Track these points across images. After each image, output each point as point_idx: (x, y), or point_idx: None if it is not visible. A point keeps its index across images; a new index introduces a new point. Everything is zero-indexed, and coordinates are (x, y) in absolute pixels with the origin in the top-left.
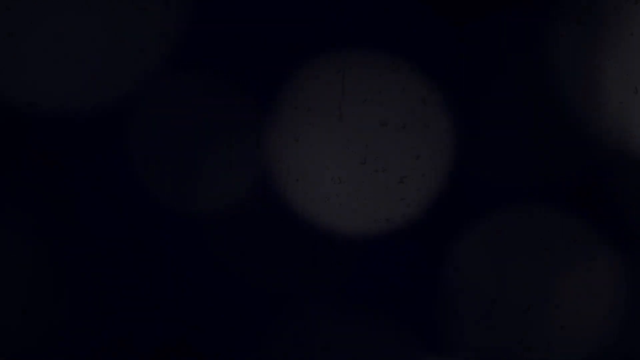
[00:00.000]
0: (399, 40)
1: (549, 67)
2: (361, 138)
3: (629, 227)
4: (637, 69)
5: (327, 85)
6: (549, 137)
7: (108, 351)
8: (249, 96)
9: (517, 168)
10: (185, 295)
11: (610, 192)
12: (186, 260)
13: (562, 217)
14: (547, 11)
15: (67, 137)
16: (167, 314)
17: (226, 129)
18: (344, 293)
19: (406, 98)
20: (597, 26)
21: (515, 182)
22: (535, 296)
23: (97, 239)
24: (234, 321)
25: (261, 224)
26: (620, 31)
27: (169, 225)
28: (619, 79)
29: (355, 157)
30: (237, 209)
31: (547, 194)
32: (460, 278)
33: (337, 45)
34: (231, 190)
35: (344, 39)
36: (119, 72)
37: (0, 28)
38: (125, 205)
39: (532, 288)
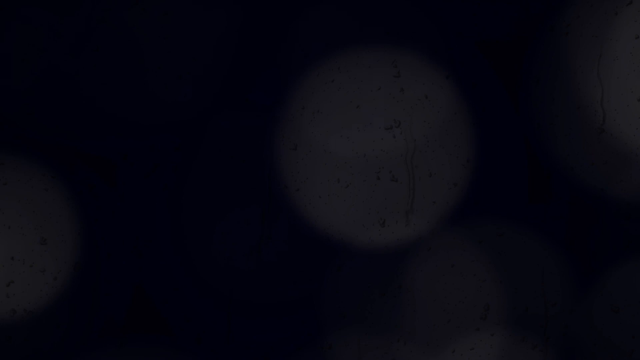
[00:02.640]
0: (399, 40)
1: (550, 69)
2: (363, 141)
3: (630, 233)
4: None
5: (332, 85)
6: (549, 140)
7: (108, 352)
8: (252, 99)
9: (516, 170)
10: (185, 296)
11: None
12: (186, 263)
13: (561, 221)
14: (547, 11)
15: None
16: (167, 314)
17: (229, 133)
18: (343, 295)
19: (406, 98)
20: (597, 27)
21: (515, 184)
22: (534, 300)
23: (98, 238)
24: (235, 321)
25: (261, 226)
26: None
27: (169, 228)
28: (621, 83)
29: (357, 160)
30: (238, 211)
31: (547, 197)
32: (458, 279)
33: (337, 44)
34: (233, 191)
35: (344, 38)
36: (119, 73)
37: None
38: (125, 205)
39: (530, 293)
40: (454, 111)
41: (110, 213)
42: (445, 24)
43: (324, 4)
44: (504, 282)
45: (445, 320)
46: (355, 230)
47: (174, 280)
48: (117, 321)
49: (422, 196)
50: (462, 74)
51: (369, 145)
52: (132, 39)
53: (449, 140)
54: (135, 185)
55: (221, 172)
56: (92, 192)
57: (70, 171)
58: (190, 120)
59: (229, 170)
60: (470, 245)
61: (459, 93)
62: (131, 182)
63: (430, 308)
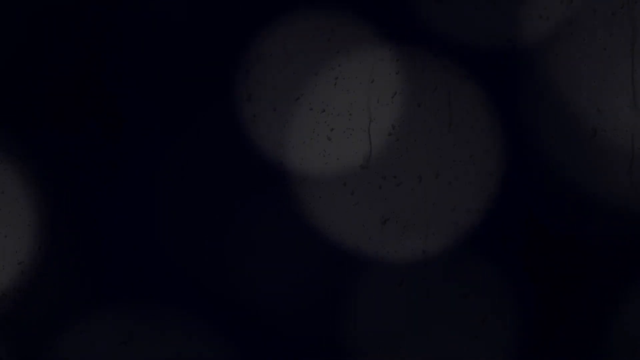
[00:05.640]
0: (400, 44)
1: (550, 72)
2: (367, 146)
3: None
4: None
5: (335, 87)
6: (545, 143)
7: (110, 353)
8: (253, 99)
9: (512, 171)
10: (186, 295)
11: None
12: (186, 262)
13: (561, 226)
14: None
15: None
16: (167, 314)
17: (231, 133)
18: (344, 295)
19: (403, 102)
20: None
21: (517, 186)
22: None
23: (102, 237)
24: (235, 321)
25: (263, 227)
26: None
27: (169, 228)
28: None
29: (359, 163)
30: (239, 211)
31: (541, 201)
32: (457, 279)
33: (339, 44)
34: (234, 191)
35: (346, 38)
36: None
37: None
38: (125, 205)
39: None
40: (455, 113)
41: (110, 213)
42: (445, 26)
43: (327, 4)
44: (503, 286)
45: (443, 325)
46: (356, 231)
47: (174, 280)
48: (118, 321)
49: (424, 198)
50: (463, 76)
51: (371, 147)
52: (133, 39)
53: (451, 141)
54: (135, 185)
55: (222, 172)
56: (92, 192)
57: (71, 171)
58: (192, 120)
59: (230, 170)
60: (471, 247)
61: (461, 95)
62: (131, 182)
63: (429, 305)
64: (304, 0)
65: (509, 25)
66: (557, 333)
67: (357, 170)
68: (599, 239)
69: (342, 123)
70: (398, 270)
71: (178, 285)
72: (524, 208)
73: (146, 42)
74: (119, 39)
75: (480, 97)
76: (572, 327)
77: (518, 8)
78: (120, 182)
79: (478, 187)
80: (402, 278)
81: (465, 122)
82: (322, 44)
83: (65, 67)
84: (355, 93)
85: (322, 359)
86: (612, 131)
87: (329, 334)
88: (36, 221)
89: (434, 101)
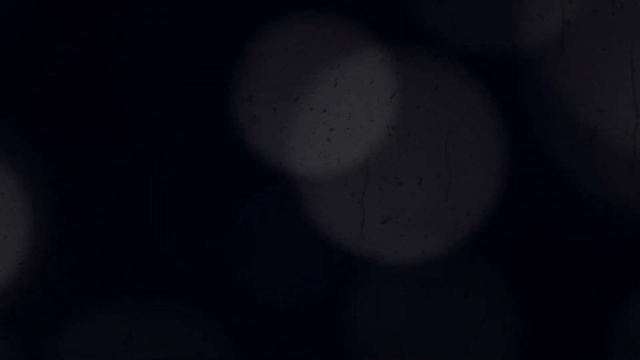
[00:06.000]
0: (400, 44)
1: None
2: (367, 146)
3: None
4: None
5: (335, 88)
6: (541, 145)
7: (110, 353)
8: (253, 99)
9: (512, 171)
10: (186, 295)
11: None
12: (186, 262)
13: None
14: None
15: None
16: (167, 314)
17: (231, 133)
18: (344, 295)
19: (402, 102)
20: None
21: (512, 185)
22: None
23: (102, 237)
24: (235, 321)
25: (263, 227)
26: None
27: (170, 228)
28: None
29: (360, 163)
30: (240, 212)
31: (541, 201)
32: (457, 279)
33: (340, 46)
34: (234, 192)
35: (347, 39)
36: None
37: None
38: (125, 205)
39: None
40: (455, 113)
41: (110, 213)
42: (446, 27)
43: (327, 4)
44: (503, 286)
45: (443, 325)
46: (356, 231)
47: (174, 280)
48: (118, 321)
49: (424, 198)
50: (463, 76)
51: (371, 147)
52: (133, 39)
53: (451, 141)
54: (135, 185)
55: (222, 172)
56: (92, 192)
57: (71, 171)
58: (192, 120)
59: (230, 170)
60: (471, 247)
61: (461, 95)
62: (131, 182)
63: (429, 304)
64: (304, 0)
65: (509, 25)
66: (557, 333)
67: (357, 170)
68: (599, 239)
69: (342, 123)
70: (398, 270)
71: (178, 285)
72: (524, 208)
73: (146, 42)
74: (119, 39)
75: (480, 97)
76: (572, 327)
77: (518, 8)
78: (120, 182)
79: (478, 187)
80: (402, 278)
81: (465, 122)
82: (322, 44)
83: (65, 67)
84: (355, 93)
85: (322, 359)
86: (612, 131)
87: (329, 334)
88: (36, 221)
89: (434, 101)
